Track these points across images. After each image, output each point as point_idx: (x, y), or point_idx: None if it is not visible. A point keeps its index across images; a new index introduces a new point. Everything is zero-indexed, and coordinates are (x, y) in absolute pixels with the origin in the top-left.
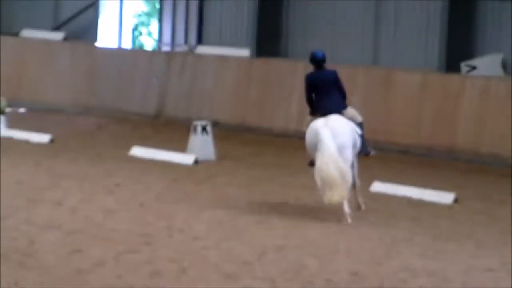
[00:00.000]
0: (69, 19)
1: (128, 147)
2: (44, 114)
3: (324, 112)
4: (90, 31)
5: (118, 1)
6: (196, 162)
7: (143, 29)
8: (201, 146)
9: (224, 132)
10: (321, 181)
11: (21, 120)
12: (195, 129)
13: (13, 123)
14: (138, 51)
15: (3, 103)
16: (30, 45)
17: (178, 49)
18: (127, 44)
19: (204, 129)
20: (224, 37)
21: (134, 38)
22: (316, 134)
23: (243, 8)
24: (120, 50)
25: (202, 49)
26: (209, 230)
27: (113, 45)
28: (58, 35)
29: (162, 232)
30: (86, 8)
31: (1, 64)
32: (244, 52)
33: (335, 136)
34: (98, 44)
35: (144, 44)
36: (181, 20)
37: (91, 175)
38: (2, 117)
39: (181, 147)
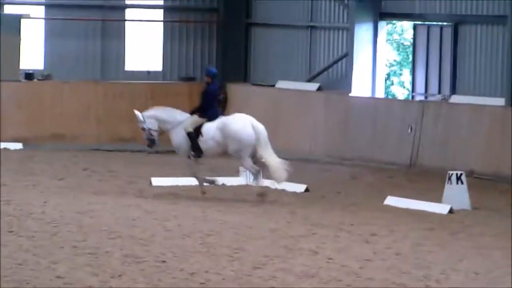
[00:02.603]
0: (323, 70)
1: (383, 197)
2: (299, 163)
3: (215, 116)
4: (343, 81)
5: (371, 52)
6: (451, 211)
7: (394, 79)
8: (456, 195)
9: (479, 182)
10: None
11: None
12: (449, 178)
13: (269, 173)
14: (391, 100)
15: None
16: (285, 95)
17: (431, 98)
18: (380, 93)
19: (459, 178)
20: (478, 86)
21: (387, 87)
22: (257, 130)
23: (497, 58)
24: (373, 99)
25: (456, 99)
26: (466, 282)
27: (367, 94)
28: (312, 86)
29: (418, 282)
30: (339, 59)
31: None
32: (499, 101)
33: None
34: (352, 93)
35: (396, 94)
36: (434, 70)
37: (346, 224)
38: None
39: (436, 197)
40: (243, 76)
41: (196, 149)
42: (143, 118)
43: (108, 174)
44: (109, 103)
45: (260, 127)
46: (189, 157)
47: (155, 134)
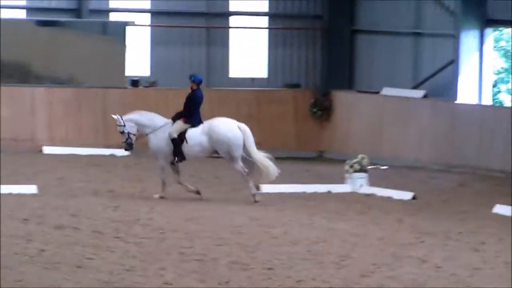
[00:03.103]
0: (429, 77)
1: (491, 205)
2: (405, 171)
3: (199, 122)
4: (449, 88)
5: (477, 59)
6: None
7: (502, 86)
8: None
9: None
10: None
11: (383, 177)
12: None
13: (375, 181)
14: (498, 107)
15: (365, 160)
16: (390, 102)
17: None
18: (487, 101)
19: None
20: None
21: (494, 95)
22: (243, 130)
23: None
24: (480, 106)
25: None
26: None
27: (473, 101)
28: (418, 93)
29: None
30: (445, 66)
31: (360, 122)
32: None
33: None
34: (458, 101)
35: (503, 101)
36: None
37: (454, 233)
38: (365, 175)
39: None
40: (348, 83)
41: (179, 155)
42: (123, 122)
43: (214, 181)
44: (214, 110)
45: (245, 127)
46: (172, 162)
47: (133, 138)
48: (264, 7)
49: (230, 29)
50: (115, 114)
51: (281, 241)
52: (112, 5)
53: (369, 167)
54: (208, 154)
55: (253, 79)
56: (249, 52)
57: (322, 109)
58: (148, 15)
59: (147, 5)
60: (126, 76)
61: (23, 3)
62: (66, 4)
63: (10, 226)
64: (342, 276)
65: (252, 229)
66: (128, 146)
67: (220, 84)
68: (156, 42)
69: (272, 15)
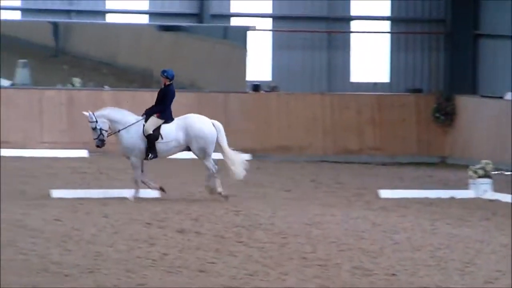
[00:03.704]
0: None
1: None
2: None
3: (171, 117)
4: None
5: None
6: None
7: None
8: None
9: None
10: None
11: (508, 183)
12: None
13: (499, 186)
14: None
15: (490, 166)
16: None
17: None
18: None
19: None
20: None
21: None
22: (217, 127)
23: None
24: None
25: None
26: None
27: None
28: None
29: None
30: None
31: (484, 127)
32: None
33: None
34: None
35: None
36: None
37: None
38: (489, 180)
39: None
40: (471, 87)
41: (153, 151)
42: (95, 118)
43: (335, 186)
44: (336, 115)
45: (218, 124)
46: (146, 158)
47: (105, 134)
48: (386, 11)
49: (352, 34)
50: (86, 111)
51: (403, 247)
52: (233, 9)
53: (493, 172)
54: (181, 150)
55: (375, 84)
56: (370, 57)
57: (445, 114)
58: (270, 19)
59: (269, 10)
60: (247, 80)
61: (145, 8)
62: (188, 9)
63: (133, 230)
64: (466, 283)
65: (374, 234)
66: (100, 142)
67: (341, 89)
68: (277, 46)
69: (394, 20)
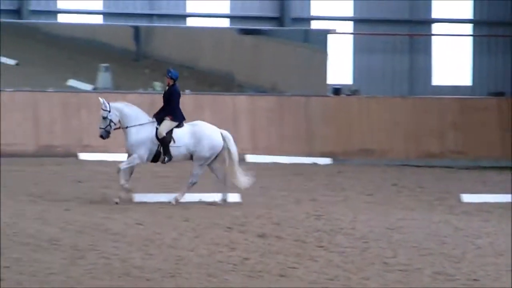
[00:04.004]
0: None
1: None
2: None
3: (183, 119)
4: None
5: None
6: None
7: None
8: None
9: None
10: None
11: None
12: None
13: None
14: None
15: None
16: None
17: None
18: None
19: None
20: None
21: None
22: (226, 139)
23: None
24: None
25: None
26: None
27: None
28: None
29: None
30: None
31: None
32: None
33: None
34: None
35: None
36: None
37: None
38: None
39: None
40: None
41: (168, 154)
42: (109, 108)
43: (417, 190)
44: (417, 118)
45: (227, 133)
46: (163, 161)
47: (113, 126)
48: (468, 13)
49: (433, 36)
50: (101, 97)
51: (486, 252)
52: (314, 13)
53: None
54: (186, 158)
55: (457, 87)
56: (452, 60)
57: None
58: (351, 22)
59: (350, 13)
60: (328, 84)
61: (226, 12)
62: (269, 13)
63: (214, 234)
64: None
65: (456, 239)
66: (105, 133)
67: (422, 92)
68: (358, 50)
69: (476, 22)
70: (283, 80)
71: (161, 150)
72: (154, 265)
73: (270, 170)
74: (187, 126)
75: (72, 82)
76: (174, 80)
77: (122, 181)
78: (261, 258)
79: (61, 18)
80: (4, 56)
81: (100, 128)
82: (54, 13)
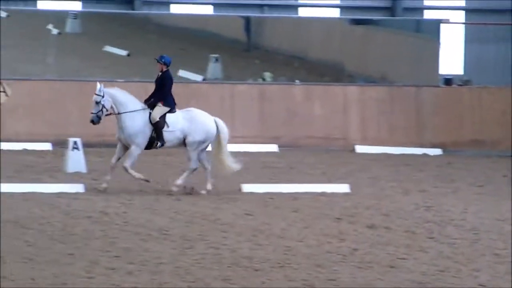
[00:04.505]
0: None
1: None
2: None
3: (174, 104)
4: None
5: None
6: None
7: None
8: None
9: None
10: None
11: None
12: None
13: None
14: None
15: None
16: None
17: None
18: None
19: None
20: None
21: None
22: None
23: None
24: None
25: None
26: None
27: None
28: None
29: None
30: None
31: None
32: None
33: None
34: None
35: None
36: None
37: None
38: None
39: None
40: None
41: (161, 139)
42: (103, 93)
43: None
44: None
45: (221, 121)
46: (154, 147)
47: (104, 112)
48: None
49: None
50: (100, 83)
51: None
52: (426, 2)
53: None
54: (180, 143)
55: None
56: None
57: None
58: (462, 12)
59: (462, 3)
60: (439, 74)
61: (337, 2)
62: (380, 3)
63: (323, 225)
64: None
65: None
66: (97, 119)
67: None
68: (470, 40)
69: None
70: (394, 70)
71: (155, 136)
72: (263, 256)
73: (380, 161)
74: (180, 112)
75: (182, 73)
76: (167, 66)
77: (137, 175)
78: (370, 249)
79: (173, 9)
80: (116, 47)
81: (92, 113)
82: (166, 3)
